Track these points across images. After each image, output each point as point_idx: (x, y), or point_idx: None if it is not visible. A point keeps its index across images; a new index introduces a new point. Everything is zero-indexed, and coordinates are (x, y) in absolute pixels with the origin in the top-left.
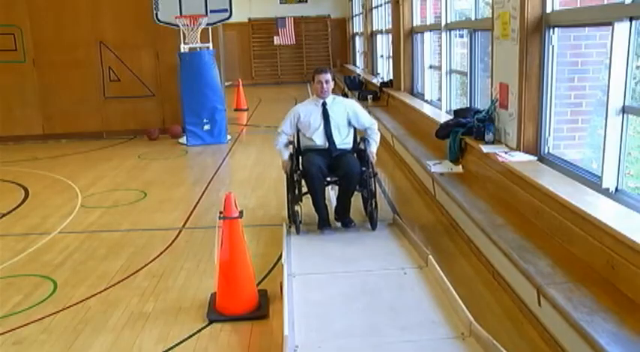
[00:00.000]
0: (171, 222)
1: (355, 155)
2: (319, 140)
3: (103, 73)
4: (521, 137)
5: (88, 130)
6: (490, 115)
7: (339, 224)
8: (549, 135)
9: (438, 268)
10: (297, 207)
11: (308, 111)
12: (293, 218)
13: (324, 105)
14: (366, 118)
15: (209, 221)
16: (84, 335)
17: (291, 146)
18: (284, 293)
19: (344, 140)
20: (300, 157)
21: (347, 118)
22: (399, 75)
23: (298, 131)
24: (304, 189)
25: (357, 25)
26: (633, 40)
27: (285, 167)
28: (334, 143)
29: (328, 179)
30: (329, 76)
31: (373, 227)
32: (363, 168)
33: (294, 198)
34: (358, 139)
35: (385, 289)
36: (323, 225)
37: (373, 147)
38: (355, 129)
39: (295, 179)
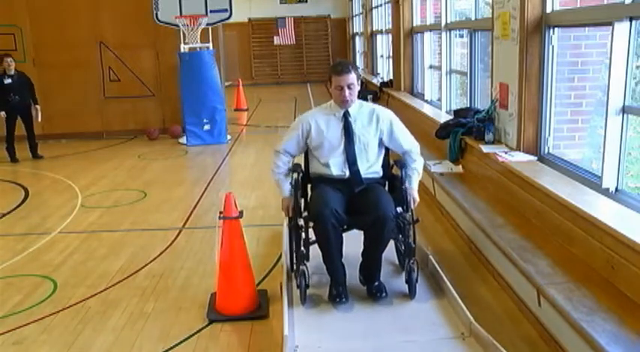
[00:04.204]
0: (172, 222)
1: (387, 187)
2: (336, 167)
3: (103, 73)
4: (521, 137)
5: (88, 130)
6: (490, 115)
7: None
8: (549, 135)
9: (439, 268)
10: (302, 266)
11: (322, 124)
12: (297, 281)
13: (345, 116)
14: (406, 138)
15: (209, 221)
16: (84, 335)
17: (294, 174)
18: (284, 293)
19: (371, 167)
20: (309, 190)
21: (379, 136)
22: (399, 75)
23: (306, 151)
24: (312, 236)
25: (357, 25)
26: (633, 40)
27: (286, 207)
28: (358, 171)
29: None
30: (353, 78)
31: (412, 294)
32: (399, 209)
33: (298, 253)
34: (391, 163)
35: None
36: (339, 294)
37: (415, 182)
38: (388, 150)
39: (300, 225)
